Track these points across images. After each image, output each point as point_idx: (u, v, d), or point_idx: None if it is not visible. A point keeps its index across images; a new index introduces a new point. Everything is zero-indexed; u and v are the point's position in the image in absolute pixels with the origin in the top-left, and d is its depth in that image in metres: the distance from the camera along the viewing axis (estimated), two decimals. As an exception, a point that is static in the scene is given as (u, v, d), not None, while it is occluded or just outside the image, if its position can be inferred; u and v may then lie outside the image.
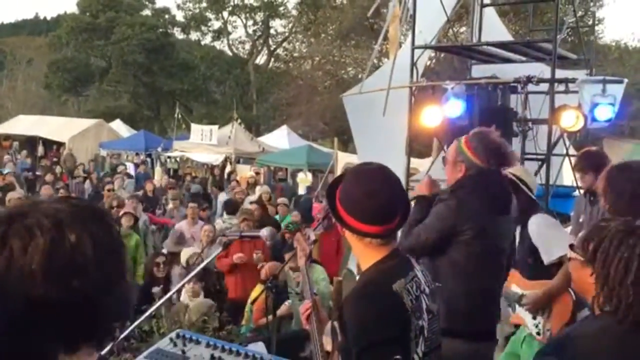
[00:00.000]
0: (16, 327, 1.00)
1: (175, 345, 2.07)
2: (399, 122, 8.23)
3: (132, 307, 1.23)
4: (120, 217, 7.61)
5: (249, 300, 5.92)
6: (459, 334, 3.08)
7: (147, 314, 2.97)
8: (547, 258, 3.92)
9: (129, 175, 17.24)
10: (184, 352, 2.02)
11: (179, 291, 5.50)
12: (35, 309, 1.00)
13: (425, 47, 8.24)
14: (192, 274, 2.71)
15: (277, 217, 9.77)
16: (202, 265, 2.73)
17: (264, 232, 2.81)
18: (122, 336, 2.33)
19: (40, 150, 24.95)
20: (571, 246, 1.99)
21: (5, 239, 1.04)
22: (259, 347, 4.79)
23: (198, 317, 4.81)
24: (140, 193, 12.15)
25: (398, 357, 1.84)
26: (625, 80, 6.95)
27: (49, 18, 72.45)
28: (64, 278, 1.02)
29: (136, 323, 3.22)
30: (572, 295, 3.85)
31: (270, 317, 3.51)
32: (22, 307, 1.00)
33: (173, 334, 2.14)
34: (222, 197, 13.40)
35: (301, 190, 17.09)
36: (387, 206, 2.01)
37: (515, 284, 4.13)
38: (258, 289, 5.87)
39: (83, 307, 1.03)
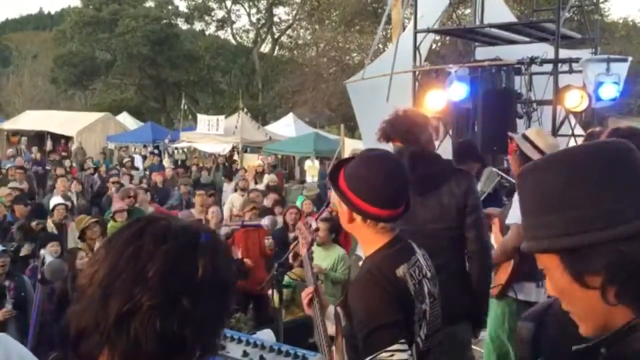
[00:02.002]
0: (106, 325, 0.99)
1: (178, 334, 2.10)
2: (403, 107, 8.21)
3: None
4: (113, 214, 7.58)
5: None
6: None
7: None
8: (508, 219, 3.79)
9: (134, 168, 17.34)
10: (187, 340, 2.06)
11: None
12: (131, 314, 0.98)
13: (428, 31, 8.19)
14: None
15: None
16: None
17: (265, 221, 2.83)
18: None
19: (49, 144, 25.08)
20: None
21: (142, 234, 1.04)
22: (267, 334, 4.84)
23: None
24: (144, 184, 12.19)
25: (402, 340, 1.86)
26: (630, 58, 6.89)
27: (53, 12, 72.64)
28: (174, 292, 1.00)
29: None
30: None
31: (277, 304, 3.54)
32: (117, 309, 0.99)
33: (176, 323, 2.17)
34: (230, 186, 13.46)
35: (309, 178, 17.13)
36: (402, 190, 2.07)
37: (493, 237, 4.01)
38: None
39: (174, 331, 1.00)
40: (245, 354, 1.96)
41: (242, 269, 6.01)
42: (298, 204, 8.97)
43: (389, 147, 3.49)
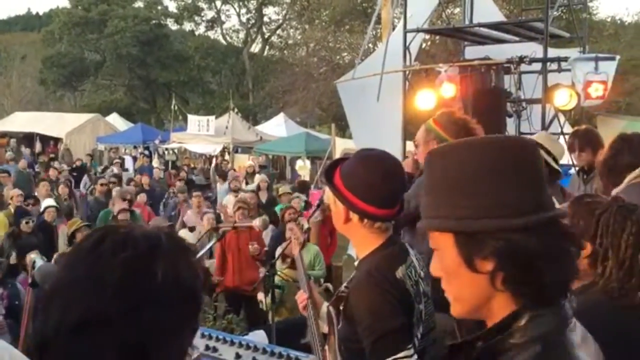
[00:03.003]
0: (65, 335, 0.96)
1: (170, 336, 2.10)
2: (393, 106, 8.23)
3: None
4: (117, 214, 7.57)
5: None
6: None
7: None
8: None
9: (124, 169, 17.26)
10: (179, 343, 2.05)
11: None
12: (89, 324, 0.96)
13: (417, 31, 8.22)
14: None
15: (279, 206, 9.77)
16: (199, 254, 2.74)
17: (257, 222, 2.83)
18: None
19: (38, 146, 24.93)
20: None
21: (101, 243, 1.02)
22: (259, 336, 4.84)
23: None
24: (132, 187, 12.07)
25: (410, 346, 1.87)
26: (618, 57, 6.95)
27: (41, 13, 72.12)
28: (133, 301, 0.98)
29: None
30: None
31: (269, 304, 3.53)
32: (76, 318, 0.96)
33: (168, 326, 2.17)
34: (224, 186, 13.43)
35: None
36: (399, 190, 2.08)
37: None
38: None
39: (134, 341, 0.97)
40: (237, 356, 1.95)
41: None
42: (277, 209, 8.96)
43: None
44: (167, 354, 1.02)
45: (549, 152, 3.79)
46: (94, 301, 0.97)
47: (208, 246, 2.71)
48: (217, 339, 2.03)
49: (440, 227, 1.15)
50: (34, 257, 1.76)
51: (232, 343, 2.02)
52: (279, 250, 5.45)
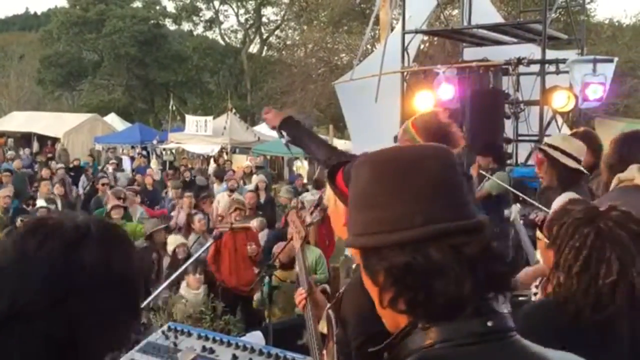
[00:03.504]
0: None
1: (167, 338, 2.09)
2: (391, 108, 8.24)
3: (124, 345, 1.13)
4: (110, 210, 7.57)
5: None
6: None
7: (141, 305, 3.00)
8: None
9: (120, 170, 17.23)
10: (175, 344, 2.04)
11: (176, 283, 5.53)
12: (16, 317, 0.94)
13: (416, 32, 8.22)
14: (184, 266, 2.71)
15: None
16: (194, 258, 2.74)
17: (254, 223, 2.80)
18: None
19: (36, 146, 24.88)
20: (540, 227, 1.99)
21: (29, 235, 1.00)
22: (256, 337, 4.83)
23: (195, 309, 4.84)
24: (135, 186, 12.08)
25: None
26: (616, 59, 6.96)
27: (39, 13, 72.01)
28: (60, 293, 0.96)
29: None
30: None
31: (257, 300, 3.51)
32: (3, 311, 0.95)
33: (165, 327, 2.16)
34: (222, 187, 13.41)
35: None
36: None
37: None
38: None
39: (63, 333, 0.96)
40: (234, 357, 1.95)
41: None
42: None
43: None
44: (98, 345, 1.00)
45: (565, 153, 3.62)
46: (20, 294, 0.95)
47: (203, 248, 2.69)
48: (214, 340, 2.02)
49: (347, 243, 1.16)
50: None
51: (229, 344, 2.01)
52: (275, 250, 5.44)
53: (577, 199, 2.22)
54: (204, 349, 1.97)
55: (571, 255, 1.75)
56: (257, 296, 5.45)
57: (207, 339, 2.04)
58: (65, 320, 0.95)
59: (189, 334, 2.07)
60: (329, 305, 2.23)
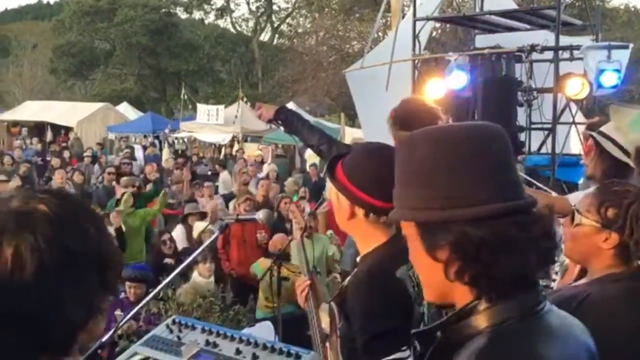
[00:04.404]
0: None
1: (171, 331, 2.08)
2: (402, 96, 8.13)
3: (105, 314, 1.08)
4: (120, 198, 7.60)
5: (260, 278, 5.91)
6: None
7: (149, 296, 2.99)
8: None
9: (133, 158, 17.26)
10: (179, 338, 2.03)
11: (187, 272, 5.55)
12: None
13: (427, 19, 8.12)
14: (192, 256, 2.70)
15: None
16: (201, 248, 2.72)
17: (260, 214, 2.79)
18: (121, 324, 2.34)
19: (49, 135, 25.03)
20: (573, 212, 1.94)
21: None
22: (265, 327, 4.83)
23: (205, 299, 4.84)
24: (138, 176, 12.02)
25: (404, 347, 1.82)
26: (631, 45, 6.83)
27: (52, 2, 72.27)
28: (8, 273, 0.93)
29: (139, 306, 3.26)
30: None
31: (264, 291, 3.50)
32: None
33: (169, 320, 2.15)
34: (225, 176, 13.43)
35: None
36: None
37: None
38: (263, 263, 5.85)
39: (29, 322, 0.94)
40: (238, 351, 1.93)
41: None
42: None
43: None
44: (66, 321, 0.98)
45: (617, 144, 3.43)
46: None
47: (210, 240, 2.67)
48: (218, 334, 2.01)
49: (402, 217, 1.20)
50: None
51: (233, 338, 1.99)
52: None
53: (618, 181, 2.14)
54: (207, 342, 1.96)
55: None
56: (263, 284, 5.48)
57: (210, 332, 2.02)
58: (16, 300, 0.93)
59: (193, 328, 2.06)
60: (331, 298, 2.21)
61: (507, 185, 1.11)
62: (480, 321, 1.09)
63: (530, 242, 1.08)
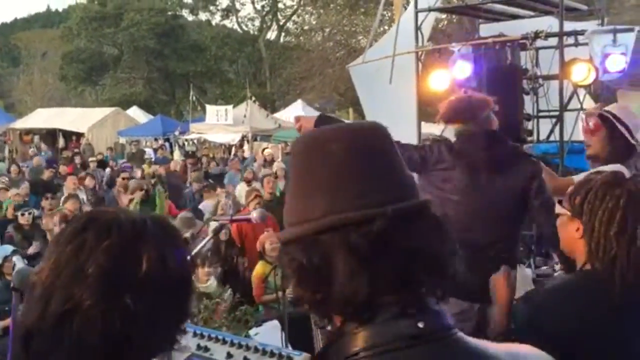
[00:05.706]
0: (48, 325, 0.95)
1: (162, 336, 2.06)
2: (407, 88, 8.10)
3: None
4: (129, 202, 7.62)
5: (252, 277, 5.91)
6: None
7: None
8: None
9: (143, 162, 17.33)
10: (170, 343, 2.01)
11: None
12: (71, 313, 0.94)
13: (429, 10, 8.04)
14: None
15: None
16: (194, 251, 2.70)
17: (254, 214, 2.77)
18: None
19: (61, 142, 25.20)
20: (559, 202, 1.90)
21: (85, 229, 0.99)
22: (273, 326, 4.79)
23: (212, 300, 4.82)
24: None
25: None
26: (637, 28, 6.70)
27: (60, 10, 72.81)
28: (115, 289, 0.95)
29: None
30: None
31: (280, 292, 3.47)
32: (58, 307, 0.95)
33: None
34: (230, 174, 13.44)
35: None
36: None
37: None
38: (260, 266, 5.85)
39: (118, 330, 0.95)
40: (229, 355, 1.91)
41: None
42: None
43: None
44: (152, 342, 0.99)
45: (624, 126, 3.34)
46: (75, 290, 0.94)
47: (203, 242, 2.65)
48: (209, 338, 1.98)
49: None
50: (15, 259, 1.75)
51: (224, 342, 1.97)
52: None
53: (599, 171, 2.10)
54: (198, 347, 1.94)
55: (605, 218, 1.70)
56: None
57: (202, 336, 2.00)
58: (121, 317, 0.95)
59: (184, 332, 2.03)
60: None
61: (346, 196, 0.92)
62: (340, 349, 0.93)
63: (362, 261, 0.88)
